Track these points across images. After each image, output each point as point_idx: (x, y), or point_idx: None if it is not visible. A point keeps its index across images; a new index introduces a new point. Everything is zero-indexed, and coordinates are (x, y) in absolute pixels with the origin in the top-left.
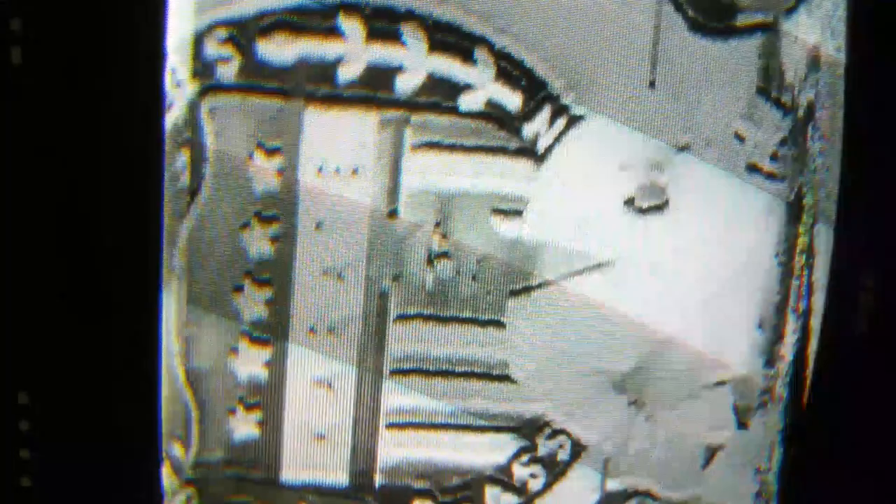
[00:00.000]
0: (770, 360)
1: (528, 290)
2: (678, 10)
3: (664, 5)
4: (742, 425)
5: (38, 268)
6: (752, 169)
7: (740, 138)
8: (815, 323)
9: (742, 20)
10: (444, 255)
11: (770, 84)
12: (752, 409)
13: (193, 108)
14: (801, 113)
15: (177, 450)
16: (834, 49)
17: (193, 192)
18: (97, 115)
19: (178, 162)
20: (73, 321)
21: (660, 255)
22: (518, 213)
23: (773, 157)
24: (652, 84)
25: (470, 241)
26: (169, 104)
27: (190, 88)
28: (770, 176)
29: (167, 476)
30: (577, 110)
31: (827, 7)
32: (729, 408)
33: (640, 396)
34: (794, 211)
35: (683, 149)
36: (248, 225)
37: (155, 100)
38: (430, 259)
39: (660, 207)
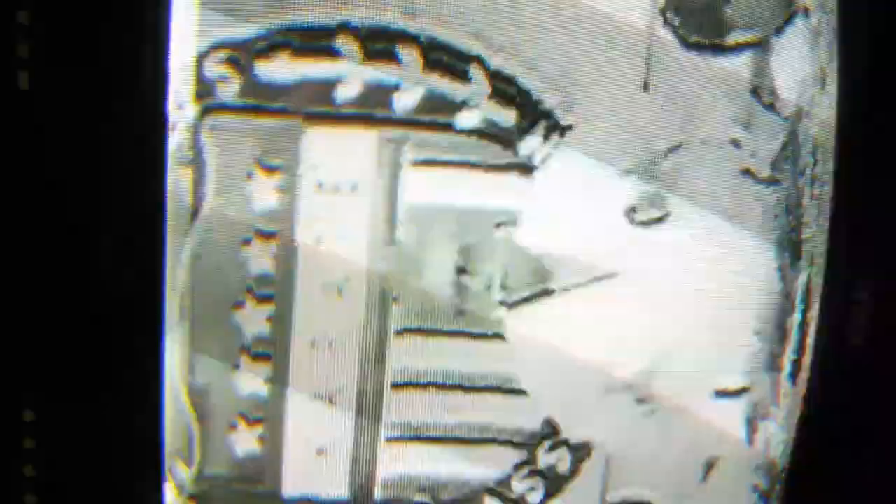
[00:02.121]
0: (771, 367)
1: (531, 300)
2: (669, 27)
3: (656, 22)
4: (751, 441)
5: (41, 285)
6: (749, 174)
7: (737, 144)
8: (813, 332)
9: (732, 39)
10: (459, 268)
11: (764, 92)
12: (759, 420)
13: (195, 128)
14: (795, 121)
15: (179, 466)
16: (826, 62)
17: (195, 211)
18: (103, 138)
19: (181, 182)
20: (76, 339)
21: (663, 260)
22: (519, 225)
23: (772, 165)
24: (645, 86)
25: (474, 255)
26: (172, 125)
27: (192, 109)
28: (768, 182)
29: (170, 492)
30: (572, 123)
31: (817, 23)
32: (741, 420)
33: (648, 396)
34: (793, 218)
35: (676, 149)
36: (248, 242)
37: (159, 122)
38: (453, 271)
39: (661, 218)
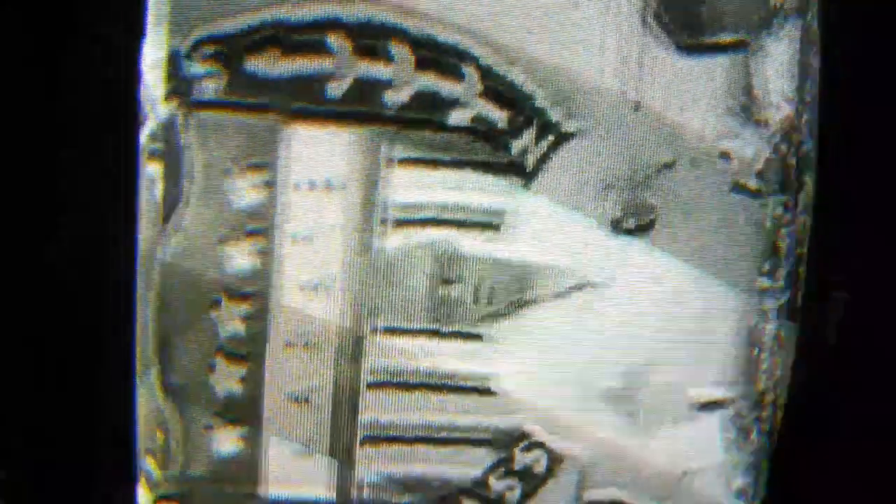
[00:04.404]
0: (753, 375)
1: (515, 306)
2: (660, 26)
3: (648, 21)
4: (734, 447)
5: (9, 283)
6: (738, 187)
7: (726, 157)
8: (794, 337)
9: (719, 38)
10: (443, 277)
11: (752, 102)
12: (742, 429)
13: (171, 124)
14: (779, 129)
15: (151, 466)
16: (807, 62)
17: (171, 206)
18: (74, 130)
19: (155, 177)
20: (45, 336)
21: (645, 275)
22: (507, 228)
23: (758, 175)
24: (637, 106)
25: (462, 259)
26: (144, 120)
27: (168, 105)
28: (754, 193)
29: (142, 492)
30: (564, 127)
31: (799, 22)
32: (718, 432)
33: (634, 410)
34: (776, 227)
35: (669, 167)
36: (227, 240)
37: (131, 116)
38: (426, 274)
39: (646, 227)
